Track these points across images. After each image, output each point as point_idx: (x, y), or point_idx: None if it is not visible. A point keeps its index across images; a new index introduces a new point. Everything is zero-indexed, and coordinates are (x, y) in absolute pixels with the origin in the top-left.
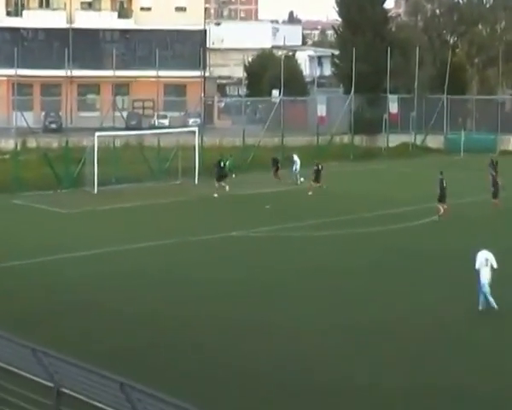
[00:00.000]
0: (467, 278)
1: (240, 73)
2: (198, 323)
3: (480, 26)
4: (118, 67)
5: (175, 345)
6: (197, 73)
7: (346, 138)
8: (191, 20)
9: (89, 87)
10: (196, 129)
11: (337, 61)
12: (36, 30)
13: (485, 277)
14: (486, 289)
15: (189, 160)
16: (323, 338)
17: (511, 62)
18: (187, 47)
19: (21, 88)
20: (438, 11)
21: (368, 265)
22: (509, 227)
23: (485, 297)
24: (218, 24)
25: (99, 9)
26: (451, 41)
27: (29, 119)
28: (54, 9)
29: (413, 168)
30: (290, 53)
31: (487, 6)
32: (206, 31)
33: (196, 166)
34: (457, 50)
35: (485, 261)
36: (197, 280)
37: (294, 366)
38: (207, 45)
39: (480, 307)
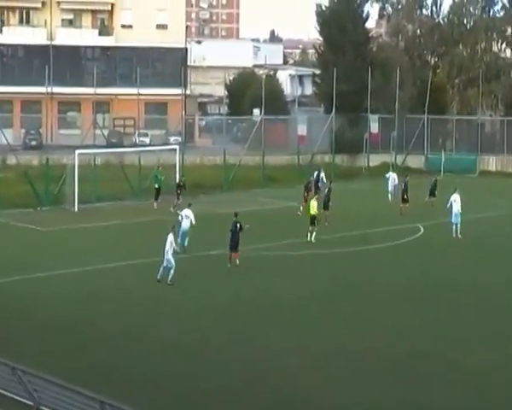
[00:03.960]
0: (433, 296)
1: (221, 91)
2: (176, 342)
3: (460, 47)
4: (98, 85)
5: (154, 364)
6: (178, 91)
7: (326, 158)
8: (172, 38)
9: (69, 104)
10: (177, 147)
11: (318, 80)
12: (16, 46)
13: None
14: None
15: (171, 179)
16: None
17: (491, 83)
18: (168, 65)
19: (1, 105)
20: (419, 32)
21: (327, 290)
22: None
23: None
24: (200, 42)
25: (80, 27)
26: (432, 61)
27: (9, 136)
28: (34, 26)
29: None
30: (271, 72)
31: (468, 27)
32: (187, 49)
33: None
34: (438, 71)
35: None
36: (173, 299)
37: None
38: (188, 63)
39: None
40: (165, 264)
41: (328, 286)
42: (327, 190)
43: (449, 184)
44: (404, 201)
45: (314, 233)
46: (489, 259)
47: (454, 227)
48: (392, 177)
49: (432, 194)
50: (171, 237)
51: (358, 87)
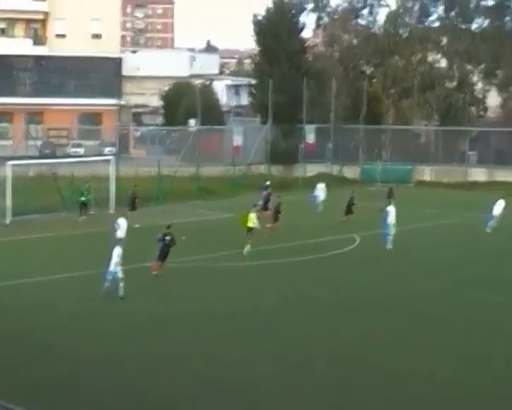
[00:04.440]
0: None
1: (156, 101)
2: (111, 356)
3: (395, 57)
4: (31, 95)
5: (93, 376)
6: (112, 101)
7: (262, 168)
8: (107, 48)
9: (1, 115)
10: (111, 158)
11: (254, 90)
12: None
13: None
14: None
15: (105, 190)
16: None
17: (426, 93)
18: (102, 75)
19: None
20: (354, 41)
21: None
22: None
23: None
24: (134, 52)
25: (12, 36)
26: (367, 71)
27: None
28: None
29: (329, 198)
30: (207, 82)
31: (403, 37)
32: (121, 59)
33: (111, 197)
34: (373, 81)
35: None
36: (109, 312)
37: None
38: (123, 73)
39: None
40: (110, 277)
41: (263, 298)
42: (276, 203)
43: (384, 195)
44: (349, 212)
45: (248, 246)
46: (423, 269)
47: (388, 238)
48: (320, 187)
49: (349, 211)
50: (118, 249)
51: (294, 97)
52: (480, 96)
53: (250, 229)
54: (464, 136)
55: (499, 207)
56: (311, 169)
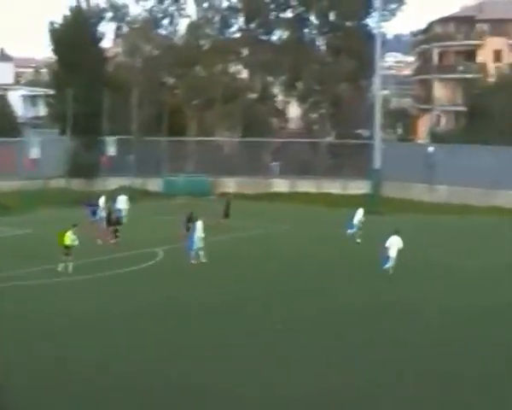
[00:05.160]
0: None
1: None
2: None
3: (197, 68)
4: None
5: None
6: None
7: (62, 182)
8: None
9: None
10: None
11: (52, 101)
12: None
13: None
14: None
15: None
16: None
17: (229, 104)
18: None
19: None
20: (155, 52)
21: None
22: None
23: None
24: None
25: None
26: (170, 82)
27: None
28: None
29: (131, 212)
30: (1, 92)
31: (204, 48)
32: None
33: None
34: (176, 92)
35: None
36: None
37: None
38: None
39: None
40: None
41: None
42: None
43: (187, 207)
44: (226, 216)
45: (63, 264)
46: (231, 280)
47: (194, 252)
48: (121, 200)
49: (226, 215)
50: None
51: (95, 108)
52: (281, 107)
53: (67, 247)
54: (267, 147)
55: (359, 215)
56: (113, 182)
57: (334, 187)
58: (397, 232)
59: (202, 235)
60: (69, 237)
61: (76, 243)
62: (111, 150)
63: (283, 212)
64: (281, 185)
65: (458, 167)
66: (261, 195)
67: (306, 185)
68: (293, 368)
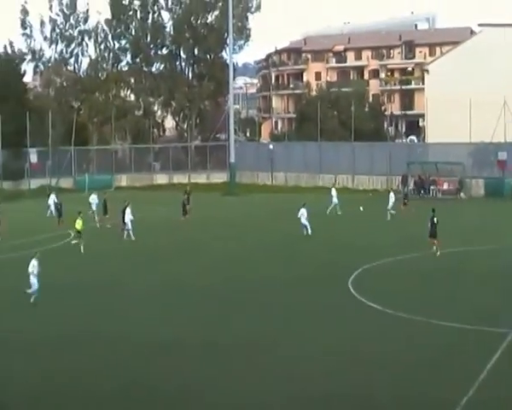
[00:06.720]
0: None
1: None
2: None
3: (97, 94)
4: None
5: None
6: None
7: None
8: None
9: None
10: None
11: None
12: None
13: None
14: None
15: None
16: None
17: (121, 120)
18: None
19: None
20: (65, 83)
21: None
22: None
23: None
24: None
25: None
26: (76, 106)
27: None
28: None
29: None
30: None
31: (102, 79)
32: None
33: None
34: (81, 112)
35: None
36: None
37: None
38: None
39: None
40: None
41: None
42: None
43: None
44: (185, 213)
45: (82, 244)
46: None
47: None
48: (52, 198)
49: (185, 212)
50: (34, 261)
51: (20, 128)
52: (160, 120)
53: (78, 231)
54: (150, 151)
55: (334, 194)
56: (35, 182)
57: (201, 178)
58: (304, 205)
59: (131, 217)
60: (78, 223)
61: (83, 226)
62: (34, 158)
63: (163, 199)
64: (161, 179)
65: (292, 159)
66: (146, 186)
67: (181, 178)
68: None
